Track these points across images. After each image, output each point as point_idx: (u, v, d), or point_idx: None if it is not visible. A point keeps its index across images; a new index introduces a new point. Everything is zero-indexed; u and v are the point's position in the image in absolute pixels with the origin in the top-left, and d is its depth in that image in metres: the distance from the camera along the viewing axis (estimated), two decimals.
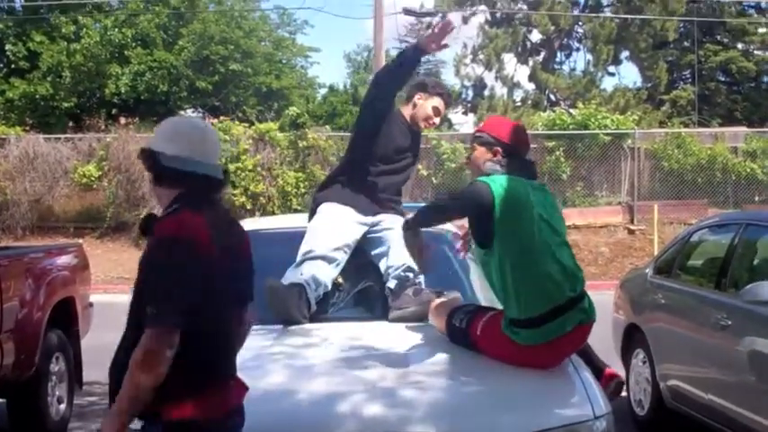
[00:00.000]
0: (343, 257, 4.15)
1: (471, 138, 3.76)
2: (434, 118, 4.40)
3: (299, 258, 4.08)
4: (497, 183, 3.34)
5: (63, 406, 6.06)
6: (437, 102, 4.39)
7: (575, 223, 16.81)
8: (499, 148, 3.52)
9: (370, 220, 4.28)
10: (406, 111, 4.41)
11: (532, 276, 3.26)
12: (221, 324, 2.49)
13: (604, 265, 15.60)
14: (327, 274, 4.05)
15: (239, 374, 2.63)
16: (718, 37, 31.12)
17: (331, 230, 4.17)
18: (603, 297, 6.65)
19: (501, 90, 29.26)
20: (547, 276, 3.27)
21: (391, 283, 4.02)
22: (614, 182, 18.62)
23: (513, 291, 3.27)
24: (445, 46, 4.15)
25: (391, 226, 4.24)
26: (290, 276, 3.99)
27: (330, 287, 4.07)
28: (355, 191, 4.31)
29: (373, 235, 4.27)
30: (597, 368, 3.79)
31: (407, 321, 3.88)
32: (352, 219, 4.25)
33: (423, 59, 4.81)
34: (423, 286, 4.03)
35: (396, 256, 4.10)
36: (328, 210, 4.28)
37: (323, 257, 4.05)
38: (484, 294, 4.00)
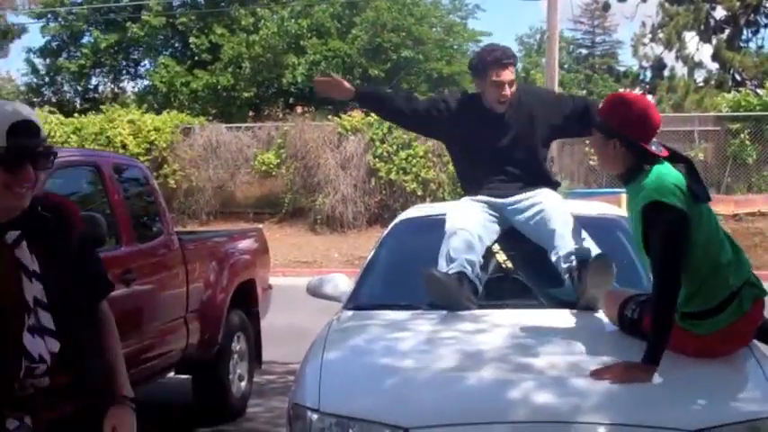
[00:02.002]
0: (486, 233, 4.04)
1: None
2: (503, 92, 4.11)
3: (444, 241, 4.01)
4: (672, 194, 3.05)
5: (244, 383, 6.31)
6: (494, 76, 4.10)
7: (760, 210, 15.95)
8: (617, 140, 3.18)
9: (511, 200, 4.15)
10: (484, 98, 4.23)
11: (713, 268, 3.12)
12: None
13: None
14: (477, 251, 3.95)
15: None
16: None
17: (468, 209, 4.12)
18: None
19: (681, 70, 27.93)
20: (726, 265, 3.14)
21: (563, 272, 3.90)
22: None
23: (692, 286, 3.12)
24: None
25: (540, 201, 4.07)
26: (443, 263, 3.93)
27: (482, 261, 3.97)
28: (486, 183, 4.23)
29: (525, 218, 4.10)
30: None
31: (583, 309, 3.77)
32: (488, 201, 4.17)
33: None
34: None
35: (560, 239, 3.91)
36: (464, 200, 4.28)
37: (465, 230, 3.96)
38: None
